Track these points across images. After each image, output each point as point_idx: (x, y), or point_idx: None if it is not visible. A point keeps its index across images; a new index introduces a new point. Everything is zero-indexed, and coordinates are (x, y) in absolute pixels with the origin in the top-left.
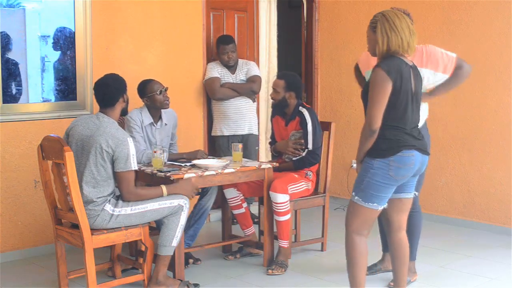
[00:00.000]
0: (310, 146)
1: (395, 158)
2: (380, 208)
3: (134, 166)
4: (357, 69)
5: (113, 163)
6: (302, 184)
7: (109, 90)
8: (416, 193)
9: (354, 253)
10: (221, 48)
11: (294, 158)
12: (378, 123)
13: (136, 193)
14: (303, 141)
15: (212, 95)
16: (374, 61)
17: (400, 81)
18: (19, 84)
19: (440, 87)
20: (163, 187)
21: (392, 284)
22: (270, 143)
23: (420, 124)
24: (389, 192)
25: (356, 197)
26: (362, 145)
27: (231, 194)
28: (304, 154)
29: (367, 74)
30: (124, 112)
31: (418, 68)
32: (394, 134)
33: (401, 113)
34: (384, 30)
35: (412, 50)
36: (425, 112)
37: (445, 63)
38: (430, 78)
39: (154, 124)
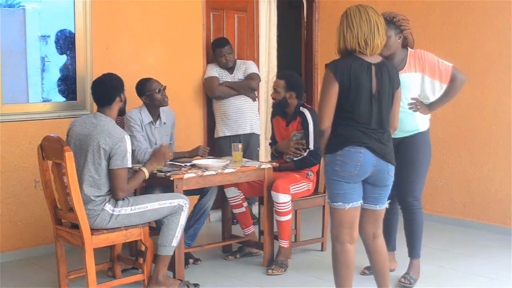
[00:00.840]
0: (311, 146)
1: (342, 152)
2: (347, 206)
3: (129, 163)
4: None
5: (109, 160)
6: (303, 185)
7: (106, 89)
8: (387, 205)
9: (336, 264)
10: (217, 51)
11: (295, 158)
12: (326, 122)
13: (128, 189)
14: (304, 141)
15: (210, 93)
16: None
17: (348, 80)
18: (19, 84)
19: (437, 101)
20: (143, 169)
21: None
22: (270, 143)
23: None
24: (347, 189)
25: (327, 199)
26: (320, 144)
27: (232, 193)
28: (305, 154)
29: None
30: (122, 112)
31: (422, 75)
32: (345, 129)
33: (354, 112)
34: (342, 28)
35: (372, 48)
36: (425, 122)
37: (441, 72)
38: (429, 85)
39: (154, 123)
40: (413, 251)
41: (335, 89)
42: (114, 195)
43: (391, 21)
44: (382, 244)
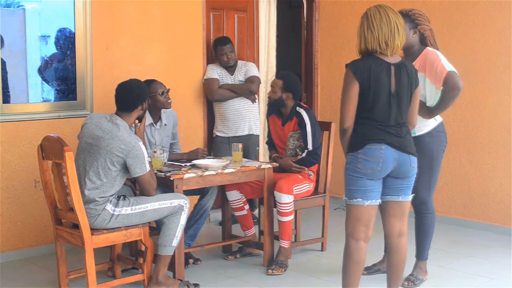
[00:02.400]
0: (310, 146)
1: (363, 150)
2: (366, 203)
3: (148, 167)
4: None
5: (124, 167)
6: (305, 185)
7: (131, 97)
8: (410, 198)
9: (348, 260)
10: (219, 49)
11: (294, 160)
12: (348, 121)
13: (155, 184)
14: (305, 168)
15: (210, 96)
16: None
17: (368, 80)
18: (19, 84)
19: (435, 107)
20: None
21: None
22: (267, 142)
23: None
24: (366, 186)
25: (344, 197)
26: (341, 143)
27: (233, 196)
28: (304, 154)
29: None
30: (139, 119)
31: (424, 76)
32: (364, 128)
33: (374, 111)
34: (363, 29)
35: (393, 49)
36: (423, 125)
37: (436, 74)
38: (428, 87)
39: (154, 125)
40: (420, 253)
41: (355, 88)
42: (146, 195)
43: (406, 15)
44: (405, 244)
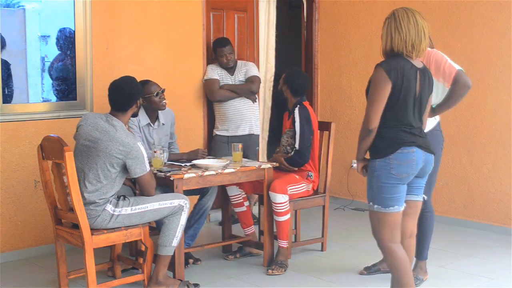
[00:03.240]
0: (297, 145)
1: (395, 155)
2: (402, 208)
3: (148, 167)
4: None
5: (123, 168)
6: (303, 186)
7: (123, 95)
8: (425, 197)
9: (397, 263)
10: (218, 50)
11: (285, 157)
12: (375, 122)
13: (155, 184)
14: (294, 168)
15: (211, 97)
16: None
17: (401, 82)
18: (19, 84)
19: (440, 105)
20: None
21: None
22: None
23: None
24: (401, 192)
25: (375, 206)
26: (360, 144)
27: (233, 191)
28: (292, 153)
29: None
30: (134, 115)
31: None
32: (392, 132)
33: (400, 114)
34: (390, 29)
35: (418, 52)
36: (431, 119)
37: (445, 73)
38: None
39: (152, 124)
40: (420, 252)
41: (387, 88)
42: (146, 195)
43: None
44: (414, 244)
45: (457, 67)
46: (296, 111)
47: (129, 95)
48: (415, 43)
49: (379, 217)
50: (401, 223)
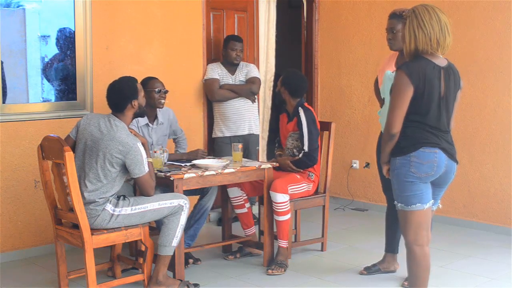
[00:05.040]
0: (305, 147)
1: (416, 153)
2: (426, 206)
3: (147, 168)
4: (376, 85)
5: (123, 168)
6: (303, 185)
7: (117, 96)
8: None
9: (416, 268)
10: (231, 44)
11: (292, 160)
12: (397, 127)
13: (154, 184)
14: (301, 170)
15: (210, 97)
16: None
17: (423, 84)
18: (19, 84)
19: None
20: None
21: (406, 283)
22: (277, 140)
23: None
24: (422, 189)
25: (399, 205)
26: (383, 148)
27: (235, 193)
28: (300, 156)
29: (386, 74)
30: (141, 114)
31: None
32: (415, 131)
33: (425, 116)
34: (412, 28)
35: (444, 48)
36: None
37: None
38: None
39: (150, 124)
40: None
41: (409, 93)
42: (145, 195)
43: (399, 15)
44: (429, 252)
45: None
46: (301, 113)
47: (121, 96)
48: (440, 39)
49: (403, 216)
50: None
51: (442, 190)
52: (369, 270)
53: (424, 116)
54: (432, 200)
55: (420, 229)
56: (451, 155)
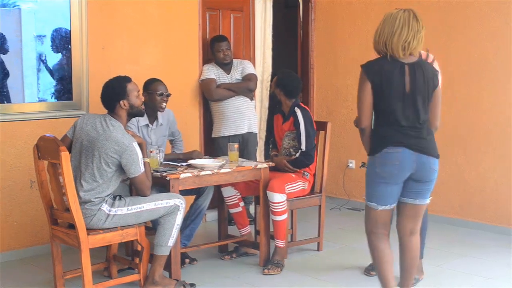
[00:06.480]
0: (303, 147)
1: (380, 154)
2: (380, 208)
3: (143, 168)
4: None
5: (119, 168)
6: (299, 184)
7: (106, 96)
8: (428, 200)
9: (375, 253)
10: (216, 45)
11: (289, 160)
12: (364, 121)
13: (150, 184)
14: (298, 169)
15: (209, 96)
16: None
17: (379, 80)
18: (14, 84)
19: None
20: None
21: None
22: (271, 140)
23: None
24: (384, 192)
25: (364, 196)
26: (362, 143)
27: (228, 192)
28: (297, 155)
29: None
30: (138, 114)
31: None
32: (382, 131)
33: (388, 112)
34: (382, 28)
35: (411, 49)
36: None
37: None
38: None
39: (150, 125)
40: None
41: (367, 88)
42: (141, 195)
43: None
44: (417, 242)
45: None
46: (298, 112)
47: (109, 96)
48: (388, 41)
49: (365, 207)
50: (400, 223)
51: (424, 186)
52: (369, 270)
53: (390, 114)
54: (394, 204)
55: (377, 223)
56: (421, 149)
